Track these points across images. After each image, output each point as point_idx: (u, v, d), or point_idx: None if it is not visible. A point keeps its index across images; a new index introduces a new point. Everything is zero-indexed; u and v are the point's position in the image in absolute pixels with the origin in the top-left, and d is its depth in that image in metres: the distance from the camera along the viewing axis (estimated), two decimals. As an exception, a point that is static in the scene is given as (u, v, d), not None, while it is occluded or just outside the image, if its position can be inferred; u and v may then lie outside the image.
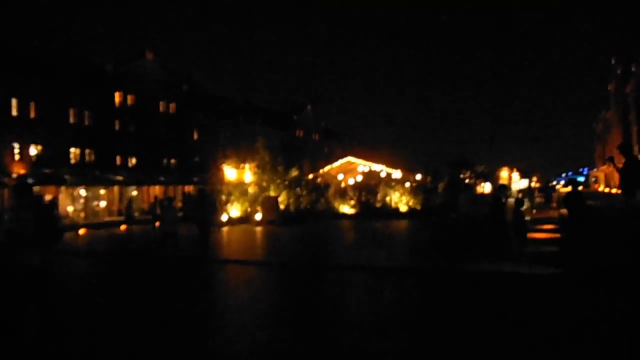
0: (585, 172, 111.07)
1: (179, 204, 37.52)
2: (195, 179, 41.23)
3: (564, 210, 12.07)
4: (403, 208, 24.88)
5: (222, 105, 51.59)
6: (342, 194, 26.88)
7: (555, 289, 7.55)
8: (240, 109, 52.74)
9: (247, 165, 23.32)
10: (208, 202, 14.47)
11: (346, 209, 26.31)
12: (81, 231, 26.28)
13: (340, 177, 35.71)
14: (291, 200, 23.19)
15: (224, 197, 24.01)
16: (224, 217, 23.51)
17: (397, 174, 32.85)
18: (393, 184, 25.77)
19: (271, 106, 64.55)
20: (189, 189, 41.28)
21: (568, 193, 10.10)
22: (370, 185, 26.76)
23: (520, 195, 45.52)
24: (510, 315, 6.17)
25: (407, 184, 25.32)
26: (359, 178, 35.12)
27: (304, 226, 21.01)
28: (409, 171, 34.11)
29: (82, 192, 36.58)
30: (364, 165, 36.82)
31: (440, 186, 25.71)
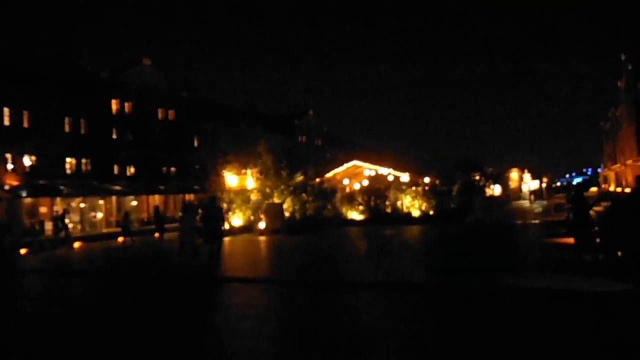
0: (589, 173, 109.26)
1: (179, 214, 36.36)
2: (196, 187, 39.94)
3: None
4: (415, 213, 23.44)
5: (222, 112, 50.41)
6: (350, 199, 25.46)
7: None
8: (242, 115, 51.53)
9: (249, 171, 21.96)
10: (218, 211, 13.28)
11: (354, 215, 24.89)
12: (76, 244, 24.96)
13: (345, 182, 34.38)
14: (296, 207, 21.78)
15: (225, 205, 22.59)
16: (225, 227, 22.09)
17: (405, 177, 31.46)
18: (404, 187, 24.35)
19: (272, 112, 63.34)
20: (190, 197, 40.00)
21: (573, 196, 10.06)
22: (380, 190, 25.34)
23: (532, 196, 44.23)
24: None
25: (419, 188, 23.88)
26: (365, 182, 33.77)
27: (311, 235, 19.58)
28: (417, 174, 32.73)
29: (80, 203, 35.35)
30: (369, 170, 35.46)
31: (455, 189, 24.28)
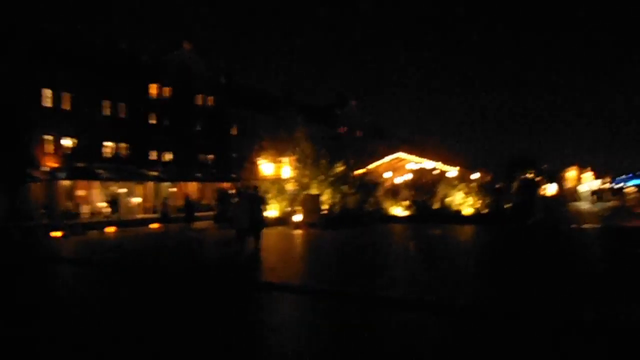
0: None
1: (214, 202, 35.43)
2: (233, 176, 38.93)
3: None
4: (467, 211, 21.06)
5: (262, 100, 49.25)
6: (394, 193, 23.37)
7: None
8: (281, 103, 50.15)
9: (286, 159, 20.32)
10: (262, 200, 13.19)
11: (398, 210, 22.81)
12: (109, 229, 24.35)
13: (388, 175, 32.20)
14: (336, 200, 19.95)
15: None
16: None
17: (453, 172, 28.92)
18: (455, 182, 21.99)
19: (313, 101, 61.65)
20: (227, 185, 39.07)
21: None
22: (427, 184, 23.09)
23: (594, 196, 40.22)
24: None
25: (472, 184, 21.44)
26: (409, 177, 31.51)
27: (351, 231, 17.74)
28: (466, 169, 30.06)
29: (117, 188, 35.15)
30: (415, 163, 33.12)
31: (513, 186, 21.69)
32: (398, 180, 30.57)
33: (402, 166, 33.98)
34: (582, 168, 46.89)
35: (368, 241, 15.00)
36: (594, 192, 40.89)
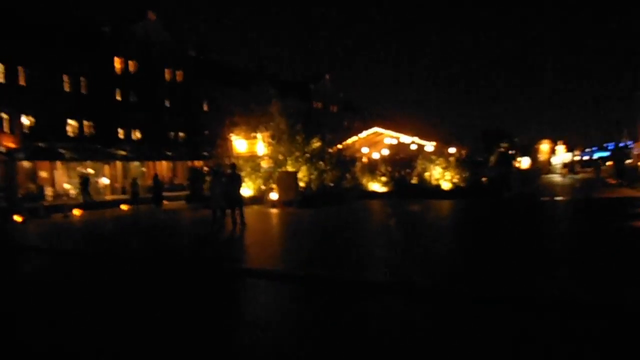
0: (610, 147, 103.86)
1: (187, 182, 34.27)
2: (205, 154, 37.67)
3: None
4: (445, 185, 20.84)
5: (233, 75, 47.53)
6: (372, 169, 22.92)
7: None
8: (253, 78, 48.56)
9: (259, 135, 19.44)
10: (239, 178, 13.37)
11: (376, 186, 22.41)
12: (76, 212, 23.12)
13: (365, 150, 31.75)
14: (312, 177, 19.31)
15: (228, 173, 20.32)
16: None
17: (429, 146, 28.69)
18: (433, 157, 21.68)
19: (287, 77, 60.11)
20: (199, 164, 37.84)
21: None
22: (405, 159, 22.71)
23: (565, 169, 40.95)
24: None
25: (451, 158, 21.17)
26: (386, 152, 31.17)
27: (329, 209, 17.23)
28: (443, 143, 29.89)
29: (83, 168, 33.48)
30: (391, 138, 32.74)
31: (491, 160, 21.55)
32: (375, 155, 30.19)
33: (379, 141, 33.55)
34: (554, 141, 47.72)
35: (347, 220, 14.52)
36: (565, 165, 41.61)
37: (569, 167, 41.26)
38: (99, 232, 14.67)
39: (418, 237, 10.56)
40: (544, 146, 46.38)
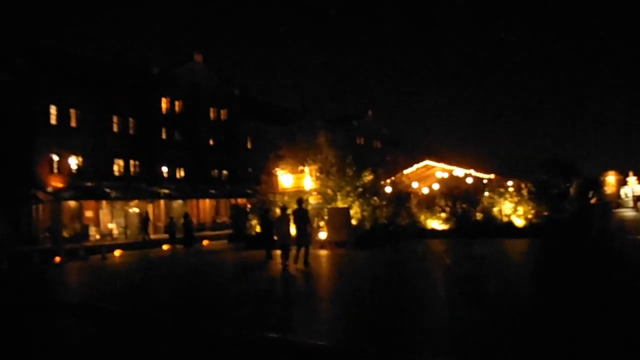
0: None
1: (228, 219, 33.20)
2: (248, 191, 36.82)
3: None
4: (518, 222, 18.33)
5: (276, 113, 47.31)
6: (428, 204, 20.80)
7: None
8: (297, 116, 48.11)
9: (306, 169, 17.98)
10: (306, 214, 12.78)
11: (435, 224, 20.19)
12: (116, 253, 22.31)
13: (414, 185, 29.65)
14: (365, 214, 17.45)
15: (277, 211, 18.81)
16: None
17: (485, 180, 26.21)
18: (502, 189, 19.32)
19: (329, 115, 59.60)
20: (242, 202, 36.94)
21: None
22: (469, 192, 20.46)
23: (639, 203, 36.78)
24: None
25: (523, 190, 18.70)
26: (436, 187, 29.00)
27: (388, 250, 15.21)
28: (503, 176, 27.32)
29: (129, 208, 33.28)
30: (443, 172, 30.50)
31: (571, 191, 18.93)
32: (425, 190, 28.08)
33: (429, 175, 31.36)
34: (620, 172, 43.44)
35: (412, 263, 12.42)
36: (637, 198, 37.53)
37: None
38: (131, 279, 13.27)
39: (516, 297, 8.29)
40: (610, 178, 42.27)
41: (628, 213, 34.97)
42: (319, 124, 20.12)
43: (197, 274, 13.13)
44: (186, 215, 20.57)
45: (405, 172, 30.93)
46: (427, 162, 30.61)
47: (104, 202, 31.46)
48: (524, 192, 18.32)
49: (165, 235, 27.22)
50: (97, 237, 29.82)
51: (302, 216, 12.15)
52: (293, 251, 12.12)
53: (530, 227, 17.79)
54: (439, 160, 32.00)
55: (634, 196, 38.40)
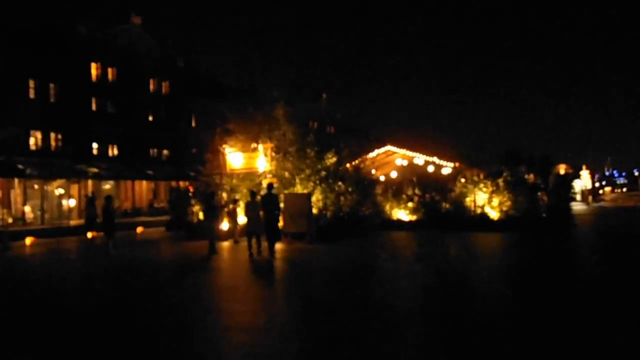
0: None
1: (166, 204, 29.53)
2: (191, 174, 33.26)
3: None
4: (493, 214, 16.67)
5: (225, 90, 43.55)
6: (396, 193, 18.76)
7: None
8: (246, 95, 44.61)
9: (260, 146, 15.21)
10: (276, 199, 11.58)
11: (402, 214, 18.18)
12: (27, 241, 18.50)
13: (372, 172, 27.72)
14: (328, 202, 14.98)
15: (223, 195, 15.90)
16: (225, 226, 15.40)
17: (447, 168, 24.72)
18: (476, 178, 17.58)
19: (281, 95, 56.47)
20: (183, 185, 33.35)
21: None
22: (439, 181, 18.60)
23: (590, 197, 37.23)
24: None
25: (499, 180, 17.04)
26: (394, 174, 27.23)
27: (354, 244, 12.91)
28: (467, 165, 25.93)
29: (51, 188, 28.76)
30: (402, 158, 28.79)
31: (550, 182, 17.58)
32: (382, 178, 26.28)
33: (390, 162, 29.56)
34: (571, 165, 44.15)
35: (382, 261, 10.15)
36: (589, 191, 38.17)
37: (594, 193, 37.79)
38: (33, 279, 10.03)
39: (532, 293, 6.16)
40: (561, 171, 42.63)
41: (577, 207, 35.35)
42: (277, 95, 17.19)
43: (110, 278, 10.08)
44: (108, 198, 15.78)
45: (365, 157, 28.88)
46: (389, 147, 28.68)
47: (16, 180, 26.83)
48: (501, 182, 16.66)
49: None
50: (10, 220, 25.30)
51: (272, 201, 11.24)
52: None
53: (507, 220, 16.19)
54: (400, 147, 30.24)
55: (585, 190, 38.98)
